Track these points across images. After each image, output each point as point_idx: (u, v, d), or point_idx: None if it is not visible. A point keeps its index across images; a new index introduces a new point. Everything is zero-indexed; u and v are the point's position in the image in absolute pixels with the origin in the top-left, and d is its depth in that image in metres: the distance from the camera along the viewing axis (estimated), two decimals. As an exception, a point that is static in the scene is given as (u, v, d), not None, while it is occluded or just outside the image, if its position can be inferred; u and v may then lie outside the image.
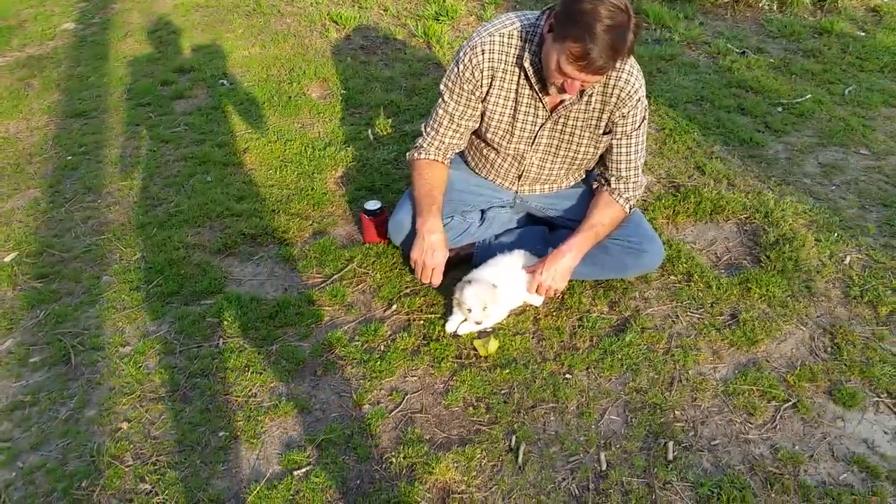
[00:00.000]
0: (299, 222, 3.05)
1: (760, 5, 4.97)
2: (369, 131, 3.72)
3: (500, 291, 2.47)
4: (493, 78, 2.39)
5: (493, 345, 2.45)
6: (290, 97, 4.05)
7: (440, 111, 2.51)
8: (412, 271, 2.54)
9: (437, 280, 2.48)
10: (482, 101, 2.45)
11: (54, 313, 2.62)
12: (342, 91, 4.12)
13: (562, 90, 2.25)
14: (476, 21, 4.96)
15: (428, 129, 2.57)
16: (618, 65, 2.25)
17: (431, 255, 2.44)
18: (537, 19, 2.31)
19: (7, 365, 2.44)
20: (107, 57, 4.72)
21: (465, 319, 2.47)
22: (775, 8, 4.93)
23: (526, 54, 2.32)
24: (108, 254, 2.93)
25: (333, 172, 3.40)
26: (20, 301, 2.70)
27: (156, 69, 4.49)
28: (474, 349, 2.44)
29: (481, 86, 2.41)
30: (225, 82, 4.27)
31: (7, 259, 2.91)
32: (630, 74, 2.34)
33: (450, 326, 2.52)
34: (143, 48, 4.81)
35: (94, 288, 2.75)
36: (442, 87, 2.48)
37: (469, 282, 2.45)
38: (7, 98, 4.22)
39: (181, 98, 4.15)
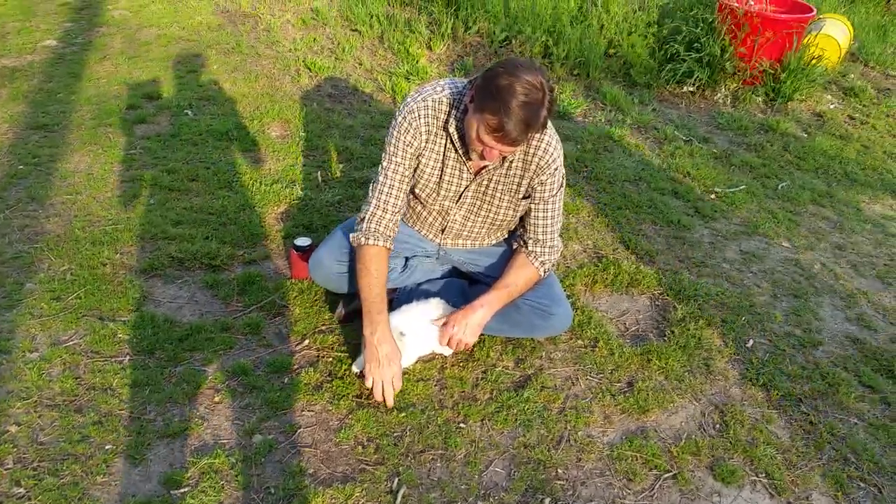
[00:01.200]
0: (230, 251, 3.12)
1: (716, 98, 5.21)
2: (318, 173, 3.83)
3: (408, 340, 2.53)
4: (426, 140, 2.50)
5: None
6: (248, 133, 4.16)
7: (383, 177, 2.51)
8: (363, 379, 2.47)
9: (397, 387, 2.44)
10: (415, 159, 2.56)
11: (-31, 314, 2.65)
12: (301, 133, 4.24)
13: (481, 157, 2.37)
14: (443, 83, 5.15)
15: (373, 201, 2.52)
16: (536, 136, 2.39)
17: (388, 365, 2.40)
18: (464, 87, 2.44)
19: (-89, 359, 2.46)
20: (80, 76, 4.83)
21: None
22: (729, 102, 5.17)
23: (452, 120, 2.44)
24: (38, 262, 2.97)
25: (275, 208, 3.49)
26: (-62, 299, 2.73)
27: (125, 93, 4.60)
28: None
29: (419, 147, 2.51)
30: (189, 112, 4.38)
31: (-65, 257, 2.94)
32: (549, 145, 2.47)
33: (356, 366, 2.57)
34: (117, 72, 4.92)
35: (15, 293, 2.78)
36: (384, 154, 2.52)
37: None
38: (-28, 104, 4.30)
39: (143, 123, 4.24)
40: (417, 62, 5.40)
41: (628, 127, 4.61)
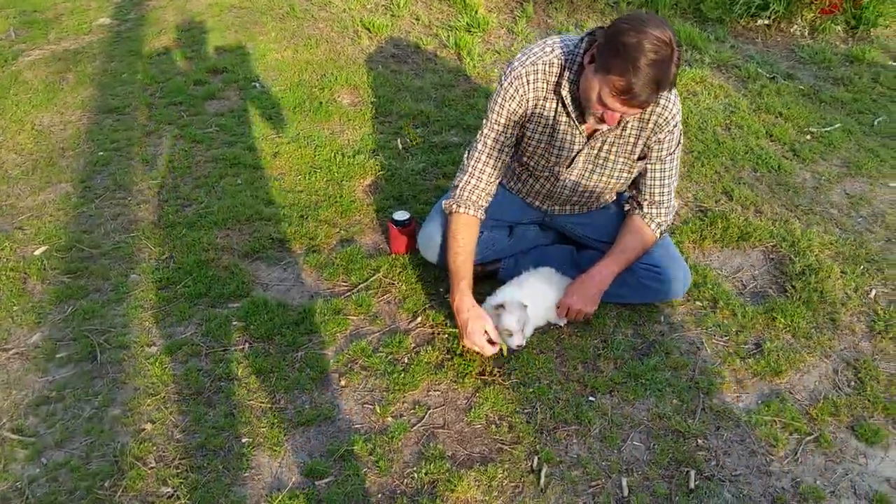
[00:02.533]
0: (327, 229, 3.08)
1: (792, 30, 4.95)
2: (398, 141, 3.74)
3: (529, 310, 2.47)
4: (535, 106, 2.39)
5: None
6: (321, 103, 4.07)
7: (481, 145, 2.45)
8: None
9: (494, 346, 2.38)
10: (520, 127, 2.45)
11: (82, 309, 2.65)
12: (372, 99, 4.14)
13: (601, 120, 2.25)
14: (507, 34, 4.98)
15: (468, 169, 2.48)
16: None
17: (470, 333, 2.36)
18: (576, 46, 2.31)
19: (34, 359, 2.47)
20: (140, 54, 4.77)
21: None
22: (807, 34, 4.92)
23: (564, 82, 2.31)
24: (137, 252, 2.96)
25: (362, 181, 3.43)
26: (48, 295, 2.73)
27: (188, 68, 4.53)
28: (497, 367, 2.44)
29: (524, 114, 2.41)
30: (257, 85, 4.30)
31: (37, 252, 2.95)
32: (667, 100, 2.34)
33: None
34: (176, 46, 4.85)
35: (121, 286, 2.78)
36: (485, 119, 2.44)
37: (502, 306, 2.43)
38: (42, 91, 4.27)
39: (213, 99, 4.18)
40: (476, 12, 5.21)
41: (708, 67, 4.41)
